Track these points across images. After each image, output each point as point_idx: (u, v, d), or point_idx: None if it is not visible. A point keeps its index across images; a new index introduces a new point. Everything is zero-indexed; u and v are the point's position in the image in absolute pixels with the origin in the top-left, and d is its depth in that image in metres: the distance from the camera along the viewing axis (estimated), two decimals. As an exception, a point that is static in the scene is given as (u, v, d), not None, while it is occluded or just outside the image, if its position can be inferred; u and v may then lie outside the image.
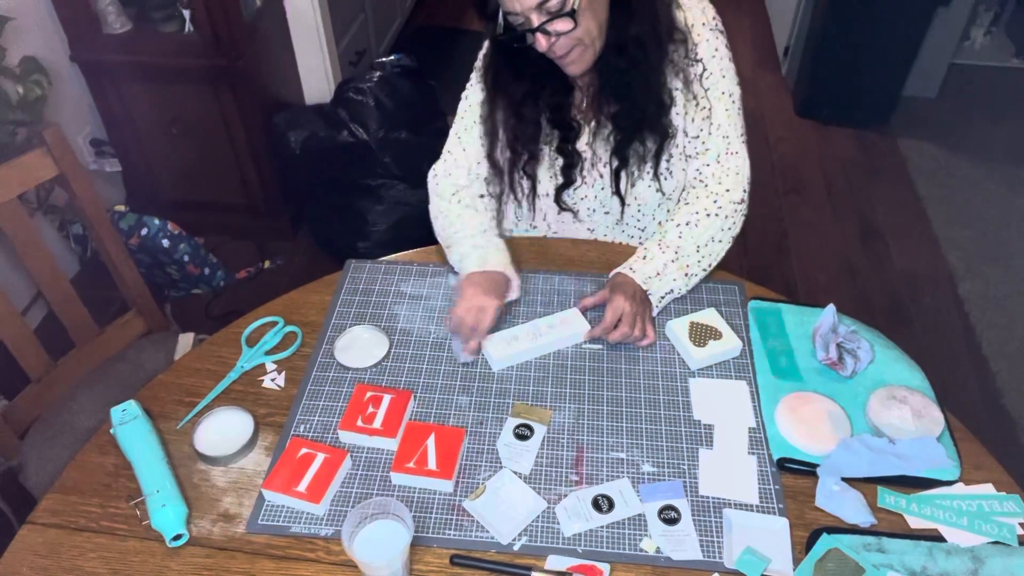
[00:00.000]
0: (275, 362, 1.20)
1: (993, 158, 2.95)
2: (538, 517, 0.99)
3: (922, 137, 3.06)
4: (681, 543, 0.95)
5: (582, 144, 1.32)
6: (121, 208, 2.32)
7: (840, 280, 2.50)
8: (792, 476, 1.03)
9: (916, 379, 1.13)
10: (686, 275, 1.24)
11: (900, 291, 2.45)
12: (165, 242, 2.28)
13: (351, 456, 1.06)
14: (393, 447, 1.07)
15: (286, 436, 1.09)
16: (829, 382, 1.13)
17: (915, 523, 0.98)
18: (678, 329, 1.20)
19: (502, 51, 1.26)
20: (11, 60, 1.99)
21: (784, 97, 3.33)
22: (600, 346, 1.21)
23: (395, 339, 1.23)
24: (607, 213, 1.38)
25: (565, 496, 1.01)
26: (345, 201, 2.39)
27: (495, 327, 1.19)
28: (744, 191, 1.27)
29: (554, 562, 0.94)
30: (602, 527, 0.97)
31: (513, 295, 1.26)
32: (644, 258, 1.23)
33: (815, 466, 1.02)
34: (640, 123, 1.25)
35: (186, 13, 2.22)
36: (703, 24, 1.25)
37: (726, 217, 1.25)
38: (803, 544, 0.95)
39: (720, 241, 1.26)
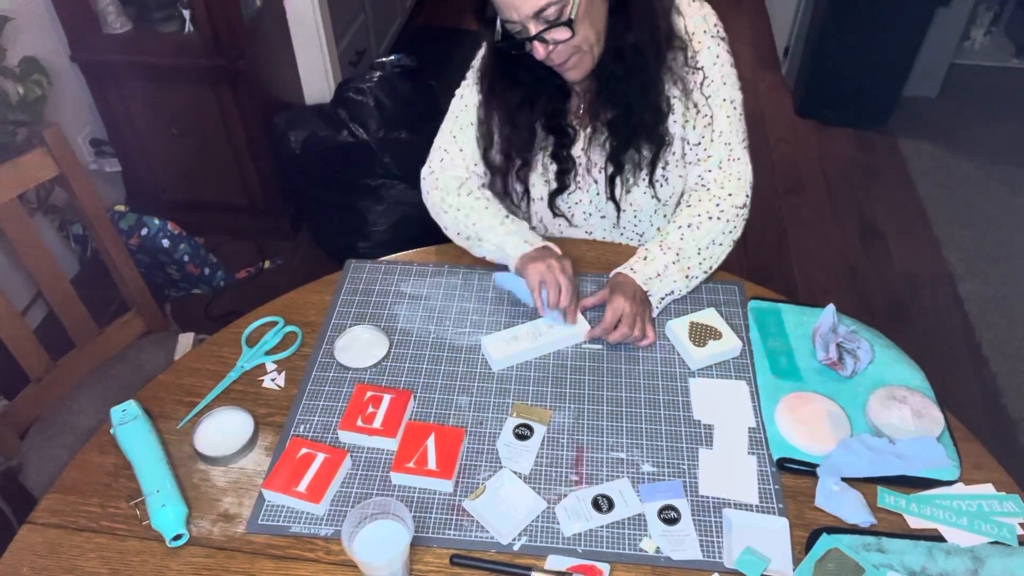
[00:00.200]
0: (275, 362, 1.20)
1: (993, 158, 2.94)
2: (538, 517, 0.99)
3: (922, 137, 3.06)
4: (681, 543, 0.95)
5: (576, 150, 1.32)
6: (121, 208, 2.32)
7: (840, 280, 2.50)
8: (792, 476, 1.03)
9: (916, 379, 1.13)
10: (687, 277, 1.24)
11: (900, 291, 2.45)
12: (165, 242, 2.28)
13: (351, 456, 1.06)
14: (393, 447, 1.07)
15: (286, 436, 1.09)
16: (829, 382, 1.13)
17: (915, 523, 0.98)
18: (678, 329, 1.20)
19: (500, 58, 1.26)
20: (11, 60, 1.99)
21: (784, 97, 3.32)
22: (600, 346, 1.21)
23: (395, 339, 1.23)
24: (603, 217, 1.38)
25: (565, 496, 1.01)
26: (345, 201, 2.39)
27: (499, 328, 1.19)
28: (746, 196, 1.27)
29: (554, 562, 0.94)
30: (602, 527, 0.97)
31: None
32: (645, 259, 1.23)
33: (815, 466, 1.02)
34: (636, 130, 1.25)
35: (186, 13, 2.22)
36: (704, 31, 1.25)
37: (728, 221, 1.25)
38: (803, 544, 0.95)
39: (721, 244, 1.26)
